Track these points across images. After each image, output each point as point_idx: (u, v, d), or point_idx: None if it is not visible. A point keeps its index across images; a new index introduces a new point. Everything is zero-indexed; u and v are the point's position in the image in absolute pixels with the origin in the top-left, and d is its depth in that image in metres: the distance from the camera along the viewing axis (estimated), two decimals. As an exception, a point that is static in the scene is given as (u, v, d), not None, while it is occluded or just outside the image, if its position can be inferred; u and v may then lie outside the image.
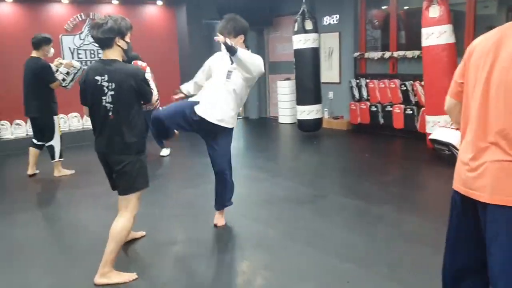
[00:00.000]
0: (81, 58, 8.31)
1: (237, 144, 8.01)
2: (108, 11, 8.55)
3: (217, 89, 3.68)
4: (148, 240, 3.84)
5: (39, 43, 5.66)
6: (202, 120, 3.64)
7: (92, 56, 8.40)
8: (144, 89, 3.06)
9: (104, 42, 2.98)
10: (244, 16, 3.75)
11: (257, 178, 5.56)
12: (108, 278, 3.06)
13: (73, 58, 8.24)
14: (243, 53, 3.48)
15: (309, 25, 7.64)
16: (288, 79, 9.44)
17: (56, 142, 5.82)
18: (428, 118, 6.25)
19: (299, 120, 8.09)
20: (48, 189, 5.64)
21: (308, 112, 7.86)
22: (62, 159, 5.94)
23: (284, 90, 9.40)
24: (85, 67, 5.66)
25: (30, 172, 6.01)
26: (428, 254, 3.33)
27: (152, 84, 5.76)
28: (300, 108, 7.96)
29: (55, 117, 5.80)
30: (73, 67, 5.72)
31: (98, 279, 3.06)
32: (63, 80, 5.66)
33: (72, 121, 8.40)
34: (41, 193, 5.52)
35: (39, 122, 5.79)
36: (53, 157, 5.88)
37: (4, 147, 7.53)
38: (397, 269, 3.16)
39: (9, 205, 4.97)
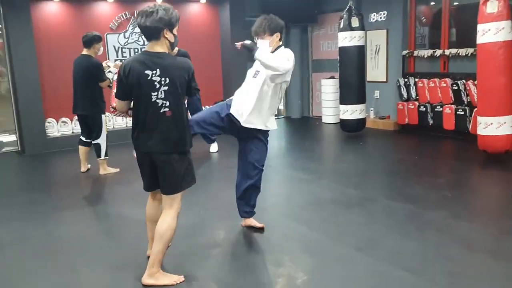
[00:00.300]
0: (125, 56, 8.38)
1: (279, 144, 7.90)
2: (153, 9, 8.56)
3: (246, 90, 3.60)
4: (192, 241, 3.76)
5: (91, 41, 5.72)
6: (234, 120, 3.57)
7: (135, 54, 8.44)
8: (194, 83, 2.97)
9: (152, 32, 2.80)
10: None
11: (302, 180, 5.40)
12: (156, 279, 2.99)
13: (117, 57, 8.33)
14: (261, 53, 3.34)
15: (355, 22, 7.41)
16: (332, 77, 9.22)
17: (102, 140, 5.86)
18: (480, 119, 5.92)
19: (341, 120, 7.87)
20: (94, 187, 5.67)
21: (352, 111, 7.64)
22: (107, 157, 5.98)
23: (328, 88, 9.19)
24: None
25: (83, 169, 6.08)
26: (487, 262, 3.12)
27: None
28: (343, 107, 7.74)
29: (103, 116, 5.85)
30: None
31: (146, 280, 2.99)
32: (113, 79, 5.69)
33: (116, 119, 8.49)
34: (87, 191, 5.55)
35: (87, 120, 5.85)
36: (99, 155, 5.91)
37: (50, 145, 7.66)
38: (455, 278, 2.96)
39: (56, 203, 5.03)
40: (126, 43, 8.40)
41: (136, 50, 8.46)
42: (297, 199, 4.72)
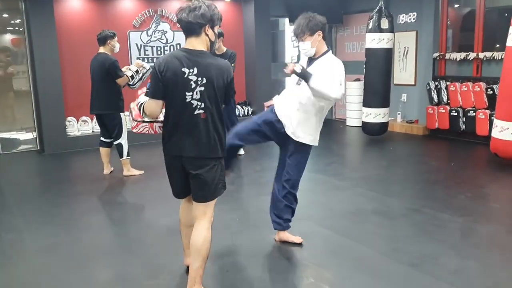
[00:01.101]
0: (147, 54, 8.19)
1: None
2: (177, 7, 8.35)
3: (292, 99, 3.44)
4: (232, 251, 3.55)
5: (105, 38, 5.60)
6: (278, 126, 3.44)
7: (159, 53, 8.25)
8: (232, 89, 2.77)
9: (193, 28, 2.62)
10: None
11: (337, 187, 5.18)
12: None
13: (139, 55, 8.13)
14: (316, 82, 3.18)
15: (385, 23, 7.18)
16: (358, 79, 8.99)
17: (124, 140, 5.70)
18: (497, 122, 5.70)
19: (363, 122, 7.65)
20: (119, 189, 5.47)
21: (375, 115, 7.42)
22: (129, 157, 5.82)
23: (353, 91, 8.95)
24: (151, 70, 5.64)
25: (106, 171, 5.92)
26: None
27: None
28: (366, 110, 7.52)
29: (122, 115, 5.66)
30: (143, 67, 5.60)
31: None
32: (131, 77, 5.53)
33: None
34: (113, 194, 5.35)
35: (105, 120, 5.67)
36: (121, 155, 5.75)
37: (70, 144, 7.48)
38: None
39: (81, 206, 4.83)
40: (149, 41, 8.21)
41: (158, 49, 8.28)
42: (336, 208, 4.50)
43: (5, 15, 7.99)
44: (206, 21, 2.62)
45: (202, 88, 2.61)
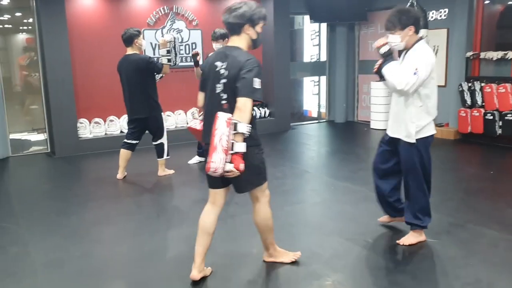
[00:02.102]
0: (162, 54, 7.82)
1: (329, 151, 7.28)
2: (193, 5, 8.03)
3: (392, 99, 3.56)
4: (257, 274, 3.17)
5: (131, 38, 5.29)
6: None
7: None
8: (244, 83, 2.69)
9: (233, 28, 2.82)
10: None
11: (368, 197, 4.75)
12: (275, 257, 3.22)
13: (153, 54, 7.78)
14: (387, 68, 3.26)
15: (417, 20, 6.73)
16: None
17: (165, 140, 5.55)
18: None
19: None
20: (132, 196, 5.12)
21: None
22: (169, 157, 5.64)
23: (378, 92, 8.50)
24: (176, 36, 5.42)
25: (120, 176, 5.62)
26: None
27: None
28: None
29: (162, 114, 5.52)
30: (168, 42, 5.29)
31: (267, 258, 3.24)
32: (169, 60, 5.28)
33: (178, 118, 8.07)
34: (128, 201, 5.00)
35: (149, 122, 5.45)
36: (161, 155, 5.60)
37: (82, 147, 7.17)
38: None
39: (94, 215, 4.49)
40: (164, 40, 7.85)
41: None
42: (369, 222, 4.08)
43: (17, 14, 7.71)
44: (245, 20, 2.78)
45: (225, 80, 2.77)
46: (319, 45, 9.70)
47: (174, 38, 5.33)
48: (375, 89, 8.57)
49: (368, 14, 8.95)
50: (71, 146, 7.10)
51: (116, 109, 7.45)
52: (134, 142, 5.56)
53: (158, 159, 5.67)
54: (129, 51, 5.32)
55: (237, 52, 2.78)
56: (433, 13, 7.68)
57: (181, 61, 7.95)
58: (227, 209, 4.39)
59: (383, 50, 3.26)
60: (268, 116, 8.72)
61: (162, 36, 6.06)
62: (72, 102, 7.07)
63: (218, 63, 2.79)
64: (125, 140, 5.58)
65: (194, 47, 8.06)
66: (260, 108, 8.68)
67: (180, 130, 7.92)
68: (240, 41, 2.82)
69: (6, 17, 7.42)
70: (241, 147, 2.60)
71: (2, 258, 3.59)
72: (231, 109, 2.71)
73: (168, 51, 5.27)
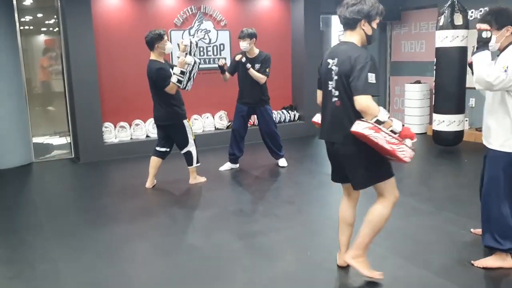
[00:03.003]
0: (175, 72, 7.53)
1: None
2: (221, 4, 7.74)
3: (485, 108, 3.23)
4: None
5: (151, 42, 4.98)
6: None
7: (202, 54, 7.62)
8: (358, 80, 2.61)
9: (349, 23, 2.76)
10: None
11: (418, 210, 4.41)
12: (358, 263, 2.93)
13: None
14: (477, 56, 2.89)
15: (459, 19, 6.35)
16: (418, 81, 8.17)
17: (192, 147, 5.26)
18: None
19: (435, 131, 6.81)
20: (165, 208, 4.84)
21: (449, 122, 6.58)
22: (199, 163, 5.38)
23: (413, 94, 8.12)
24: (195, 41, 5.10)
25: (149, 184, 5.35)
26: None
27: None
28: (438, 117, 6.68)
29: (185, 122, 5.17)
30: (187, 63, 4.91)
31: (349, 259, 2.98)
32: (179, 82, 4.90)
33: (205, 121, 7.79)
34: (158, 213, 4.72)
35: (168, 130, 5.20)
36: (190, 163, 5.34)
37: (107, 152, 6.92)
38: None
39: (122, 229, 4.21)
40: (191, 41, 7.57)
41: (201, 49, 7.64)
42: (425, 239, 3.73)
43: (40, 14, 7.51)
44: (362, 16, 2.71)
45: (337, 77, 2.75)
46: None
47: (195, 62, 4.96)
48: (409, 92, 8.19)
49: (402, 13, 8.57)
50: (96, 151, 6.86)
51: (142, 112, 7.21)
52: (163, 149, 5.30)
53: (189, 167, 5.40)
54: (152, 56, 5.03)
55: (347, 47, 2.74)
56: (472, 12, 7.28)
57: (209, 62, 7.69)
58: (265, 222, 4.09)
59: (486, 34, 2.90)
60: (297, 120, 8.39)
61: (182, 38, 5.78)
62: (98, 105, 6.84)
63: (330, 60, 2.78)
64: (156, 148, 5.33)
65: (222, 48, 7.77)
66: (289, 112, 8.36)
67: (208, 134, 7.65)
68: (354, 36, 2.77)
69: (29, 17, 7.21)
70: (396, 125, 2.63)
71: (30, 276, 3.34)
72: (343, 106, 2.73)
73: (183, 72, 4.90)
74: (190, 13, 7.53)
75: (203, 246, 3.76)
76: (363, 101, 2.59)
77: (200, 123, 7.74)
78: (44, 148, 7.35)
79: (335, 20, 9.25)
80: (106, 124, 7.09)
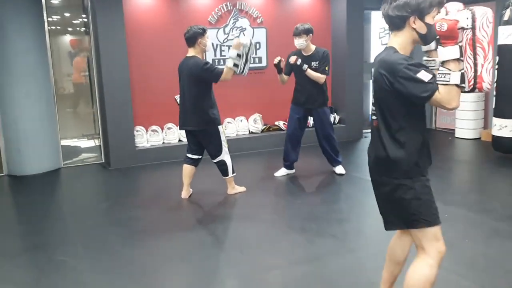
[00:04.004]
0: (224, 55, 7.14)
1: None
2: (258, 1, 7.28)
3: None
4: None
5: (194, 37, 4.56)
6: None
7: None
8: (405, 89, 2.04)
9: (394, 22, 2.15)
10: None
11: (499, 231, 3.83)
12: None
13: (215, 56, 7.10)
14: None
15: (525, 13, 5.75)
16: (471, 83, 7.56)
17: (226, 156, 4.80)
18: None
19: (495, 137, 6.20)
20: (205, 221, 4.40)
21: (512, 127, 5.97)
22: (235, 174, 4.93)
23: (465, 96, 7.51)
24: (254, 42, 4.66)
25: (184, 195, 4.94)
26: None
27: None
28: (499, 121, 6.07)
29: (220, 127, 4.71)
30: (242, 45, 4.46)
31: None
32: (235, 65, 4.46)
33: (239, 125, 7.35)
34: (198, 227, 4.28)
35: (200, 136, 4.73)
36: (225, 174, 4.88)
37: (139, 157, 6.54)
38: None
39: (159, 247, 3.79)
40: (226, 40, 7.15)
41: (236, 48, 7.19)
42: (497, 262, 3.20)
43: (69, 13, 7.19)
44: (411, 11, 2.09)
45: (373, 92, 2.26)
46: (391, 44, 8.76)
47: (250, 43, 4.52)
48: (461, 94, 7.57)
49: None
50: (128, 156, 6.48)
51: (174, 115, 6.69)
52: (196, 157, 4.86)
53: (224, 178, 4.95)
54: (190, 52, 4.61)
55: (385, 54, 2.15)
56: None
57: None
58: (322, 244, 3.60)
59: None
60: (337, 123, 7.87)
61: (238, 36, 5.33)
62: (130, 108, 6.46)
63: (373, 70, 2.21)
64: (187, 154, 4.91)
65: (258, 47, 7.31)
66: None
67: (242, 138, 7.20)
68: (398, 38, 2.15)
69: (56, 17, 6.88)
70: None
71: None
72: (380, 126, 2.19)
73: (239, 55, 4.47)
74: (225, 10, 7.10)
75: (254, 273, 3.29)
76: (439, 101, 2.02)
77: (233, 127, 7.30)
78: (72, 152, 7.03)
79: (375, 16, 8.68)
80: (137, 127, 6.71)
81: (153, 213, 4.59)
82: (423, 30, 2.10)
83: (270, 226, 4.16)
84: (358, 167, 6.04)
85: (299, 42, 5.17)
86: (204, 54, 4.86)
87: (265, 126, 7.44)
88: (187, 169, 4.87)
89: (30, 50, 6.00)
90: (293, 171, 5.68)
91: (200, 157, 4.89)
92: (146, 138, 6.77)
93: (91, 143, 7.34)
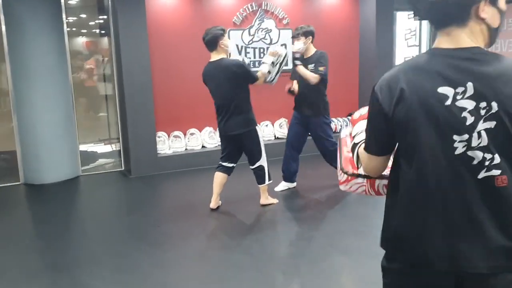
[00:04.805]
0: (249, 57, 6.84)
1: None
2: (284, 0, 6.96)
3: None
4: None
5: (215, 39, 4.26)
6: None
7: (262, 55, 6.87)
8: None
9: (450, 12, 1.34)
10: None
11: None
12: None
13: (240, 56, 6.79)
14: None
15: None
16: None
17: (265, 161, 4.55)
18: None
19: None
20: (240, 238, 4.08)
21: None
22: (271, 181, 4.67)
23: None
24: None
25: (213, 205, 4.64)
26: None
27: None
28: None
29: (258, 129, 4.50)
30: (279, 55, 4.29)
31: None
32: (269, 72, 4.28)
33: (264, 130, 7.07)
34: (235, 245, 3.97)
35: (244, 141, 4.46)
36: (262, 180, 4.60)
37: (161, 165, 6.25)
38: None
39: (191, 268, 3.48)
40: (251, 42, 6.85)
41: (261, 50, 6.89)
42: None
43: (86, 15, 6.93)
44: None
45: (491, 124, 1.28)
46: (419, 45, 8.41)
47: (286, 54, 4.37)
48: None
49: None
50: (149, 163, 6.20)
51: (197, 120, 6.55)
52: (230, 165, 4.60)
53: (259, 186, 4.66)
54: (215, 56, 4.32)
55: (495, 62, 1.31)
56: None
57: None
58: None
59: None
60: (365, 129, 7.53)
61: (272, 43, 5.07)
62: (151, 113, 6.17)
63: (447, 90, 1.31)
64: (221, 162, 4.62)
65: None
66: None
67: (267, 144, 6.83)
68: (470, 36, 1.35)
69: (75, 18, 6.63)
70: None
71: None
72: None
73: (273, 63, 4.29)
74: (250, 10, 6.79)
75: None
76: None
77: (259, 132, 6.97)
78: (90, 158, 6.76)
79: (400, 16, 8.32)
80: (159, 133, 6.42)
81: (182, 228, 4.28)
82: (495, 21, 1.36)
83: (312, 243, 3.83)
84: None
85: (298, 45, 4.81)
86: (228, 55, 4.58)
87: (290, 132, 7.11)
88: (220, 177, 4.58)
89: (49, 51, 5.74)
90: (294, 184, 5.27)
91: (234, 165, 4.62)
92: (168, 144, 6.48)
93: (107, 148, 7.08)
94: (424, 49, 8.44)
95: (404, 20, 8.23)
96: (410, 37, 8.53)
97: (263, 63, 4.35)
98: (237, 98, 4.30)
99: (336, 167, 5.05)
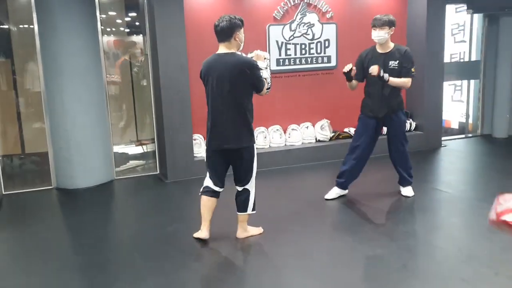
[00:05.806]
0: (289, 54, 6.42)
1: (488, 181, 5.41)
2: (327, -7, 6.54)
3: None
4: None
5: (232, 28, 3.54)
6: None
7: (303, 52, 6.45)
8: None
9: None
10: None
11: None
12: None
13: (279, 55, 6.39)
14: None
15: None
16: None
17: (253, 185, 3.79)
18: None
19: None
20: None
21: None
22: (254, 211, 3.88)
23: None
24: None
25: (204, 235, 3.84)
26: None
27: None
28: None
29: (255, 148, 3.80)
30: (267, 58, 3.80)
31: None
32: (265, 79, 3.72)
33: (304, 132, 6.63)
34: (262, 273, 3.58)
35: (240, 157, 3.69)
36: (245, 208, 3.80)
37: (197, 169, 5.83)
38: None
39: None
40: (292, 37, 6.44)
41: (303, 47, 6.47)
42: None
43: (120, 12, 6.62)
44: None
45: None
46: (469, 41, 7.85)
47: (269, 59, 4.11)
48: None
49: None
50: (186, 168, 5.86)
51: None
52: (221, 190, 3.84)
53: (240, 214, 3.85)
54: (223, 48, 3.60)
55: None
56: None
57: (311, 62, 6.53)
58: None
59: None
60: (413, 130, 7.05)
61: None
62: (189, 115, 5.83)
63: None
64: (210, 186, 3.82)
65: (327, 44, 6.57)
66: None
67: (307, 148, 6.48)
68: None
69: (109, 15, 6.32)
70: None
71: None
72: None
73: (266, 69, 3.74)
74: (292, 4, 6.38)
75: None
76: None
77: (298, 134, 6.56)
78: (122, 160, 6.47)
79: (448, 10, 7.79)
80: (195, 135, 6.08)
81: (227, 243, 3.87)
82: None
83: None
84: (441, 181, 5.22)
85: (379, 35, 4.37)
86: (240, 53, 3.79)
87: (333, 134, 6.68)
88: (209, 202, 3.81)
89: (82, 51, 5.46)
90: (346, 191, 4.84)
91: (222, 189, 3.86)
92: (204, 147, 6.11)
93: (139, 149, 6.79)
94: (474, 45, 7.89)
95: (451, 13, 7.70)
96: (458, 32, 7.99)
97: (261, 69, 3.70)
98: (241, 104, 3.57)
99: (399, 171, 4.67)
